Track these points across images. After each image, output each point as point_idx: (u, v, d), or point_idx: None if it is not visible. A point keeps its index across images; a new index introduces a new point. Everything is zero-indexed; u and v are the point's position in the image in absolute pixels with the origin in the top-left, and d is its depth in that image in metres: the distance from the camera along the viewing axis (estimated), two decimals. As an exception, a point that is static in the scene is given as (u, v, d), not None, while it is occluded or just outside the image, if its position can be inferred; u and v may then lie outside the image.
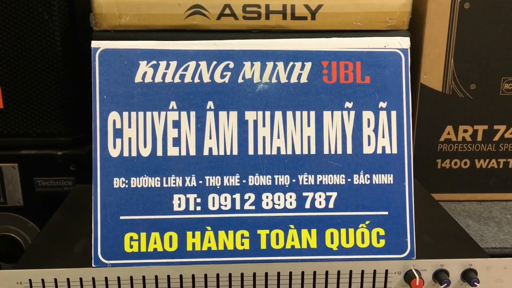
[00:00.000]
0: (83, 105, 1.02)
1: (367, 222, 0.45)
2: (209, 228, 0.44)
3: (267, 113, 0.44)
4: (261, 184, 0.44)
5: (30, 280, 0.43)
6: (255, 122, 0.44)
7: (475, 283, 0.44)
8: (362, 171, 0.45)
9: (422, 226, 0.53)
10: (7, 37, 0.93)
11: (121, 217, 0.43)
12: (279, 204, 0.44)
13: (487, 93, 0.94)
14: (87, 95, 1.01)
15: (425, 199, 0.65)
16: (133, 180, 0.43)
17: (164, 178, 0.43)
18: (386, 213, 0.45)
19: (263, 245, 0.44)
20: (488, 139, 0.97)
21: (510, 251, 0.83)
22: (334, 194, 0.45)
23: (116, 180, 0.43)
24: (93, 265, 0.43)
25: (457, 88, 0.94)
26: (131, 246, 0.43)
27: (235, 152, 0.44)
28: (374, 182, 0.45)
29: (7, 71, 0.96)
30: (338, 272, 0.44)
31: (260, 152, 0.44)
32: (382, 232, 0.45)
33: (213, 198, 0.44)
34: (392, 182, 0.45)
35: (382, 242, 0.45)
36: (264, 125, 0.44)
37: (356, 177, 0.45)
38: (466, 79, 0.94)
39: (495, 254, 0.82)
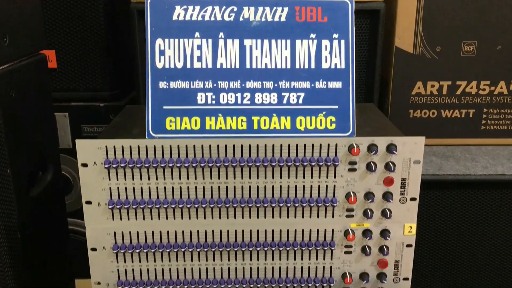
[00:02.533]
0: (121, 67, 1.29)
1: (324, 113, 0.70)
2: (220, 115, 0.70)
3: (259, 41, 0.70)
4: (254, 87, 0.70)
5: (106, 146, 0.69)
6: (251, 46, 0.70)
7: (394, 151, 0.69)
8: (321, 79, 0.70)
9: (367, 124, 0.78)
10: (59, 9, 1.20)
11: (164, 107, 0.69)
12: (266, 100, 0.70)
13: (450, 54, 1.15)
14: (124, 59, 1.28)
15: (378, 114, 0.90)
16: (172, 83, 0.69)
17: (191, 82, 0.70)
18: (337, 107, 0.70)
19: (255, 127, 0.70)
20: (451, 92, 1.18)
21: (462, 177, 1.06)
22: (302, 94, 0.70)
23: (161, 83, 0.69)
24: (146, 137, 0.70)
25: (425, 50, 1.16)
26: (170, 126, 0.70)
27: (237, 66, 0.70)
28: (329, 87, 0.70)
29: (60, 37, 1.22)
30: (304, 145, 0.70)
31: (254, 66, 0.70)
32: (333, 119, 0.70)
33: (223, 95, 0.70)
34: (341, 87, 0.70)
35: (334, 126, 0.70)
36: (256, 49, 0.70)
37: (317, 83, 0.70)
38: (433, 42, 1.14)
39: (449, 180, 1.05)
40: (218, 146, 0.69)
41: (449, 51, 1.13)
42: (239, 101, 0.70)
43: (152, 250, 0.73)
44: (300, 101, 0.70)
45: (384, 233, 0.73)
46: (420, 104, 1.18)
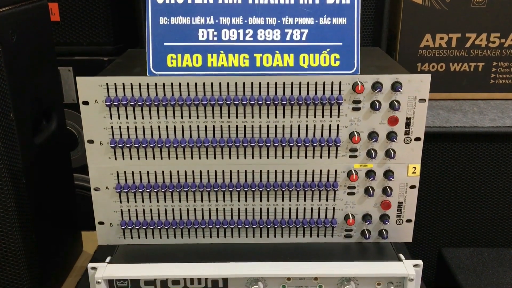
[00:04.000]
0: (124, 21, 1.28)
1: (328, 50, 0.69)
2: (222, 52, 0.69)
3: (261, -24, 0.68)
4: (257, 23, 0.69)
5: (107, 83, 0.69)
6: (253, -18, 0.68)
7: (399, 89, 0.68)
8: (325, 15, 0.69)
9: (372, 64, 0.77)
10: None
11: (165, 44, 0.68)
12: (269, 37, 0.69)
13: (461, 5, 1.12)
14: (128, 13, 1.26)
15: (384, 56, 0.89)
16: (172, 18, 0.68)
17: (193, 18, 0.68)
18: (341, 43, 0.69)
19: (258, 64, 0.69)
20: (461, 45, 1.16)
21: (469, 130, 1.04)
22: (306, 31, 0.69)
23: (161, 19, 0.68)
24: (147, 75, 0.69)
25: (434, 0, 1.13)
26: (171, 63, 0.69)
27: (239, 1, 0.68)
28: (333, 23, 0.69)
29: (64, -11, 1.20)
30: (308, 82, 0.69)
31: (256, 1, 0.68)
32: (338, 56, 0.69)
33: (225, 32, 0.69)
34: (346, 23, 0.69)
35: (338, 63, 0.69)
36: (259, -16, 0.68)
37: (321, 19, 0.69)
38: (442, -8, 1.11)
39: (456, 133, 1.04)
40: (219, 83, 0.68)
41: (459, 2, 1.11)
42: (241, 38, 0.69)
43: (155, 190, 0.73)
44: (304, 38, 0.69)
45: (388, 174, 0.73)
46: (428, 57, 1.16)
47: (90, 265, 0.70)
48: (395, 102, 0.69)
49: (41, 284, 0.92)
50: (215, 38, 0.69)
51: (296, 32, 0.69)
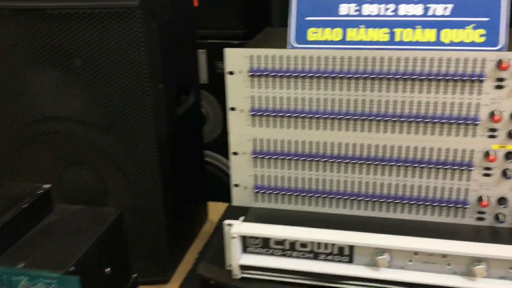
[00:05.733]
0: (254, 7, 1.34)
1: (473, 25, 0.68)
2: (362, 26, 0.71)
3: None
4: (399, -2, 0.70)
5: (251, 55, 0.74)
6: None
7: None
8: (472, -11, 0.67)
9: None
10: None
11: (306, 18, 0.72)
12: (410, 12, 0.69)
13: None
14: (258, 1, 1.32)
15: None
16: (315, -6, 0.72)
17: (335, -6, 0.71)
18: (487, 19, 0.67)
19: (397, 38, 0.70)
20: None
21: None
22: (450, 6, 0.68)
23: (305, -5, 0.72)
24: (288, 48, 0.73)
25: None
26: (312, 36, 0.72)
27: (382, -23, 0.70)
28: (480, -3, 0.67)
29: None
30: (449, 58, 0.68)
31: (399, -23, 0.69)
32: (483, 32, 0.67)
33: (366, 6, 0.71)
34: (493, -3, 0.67)
35: (482, 39, 0.68)
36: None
37: (467, -6, 0.68)
38: None
39: None
40: (358, 57, 0.70)
41: None
42: (382, 13, 0.70)
43: (288, 158, 0.77)
44: (448, 13, 0.68)
45: (529, 157, 0.70)
46: None
47: (226, 221, 0.76)
48: (543, 80, 0.66)
49: (176, 242, 1.01)
50: (356, 13, 0.71)
51: (440, 7, 0.69)
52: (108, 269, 0.72)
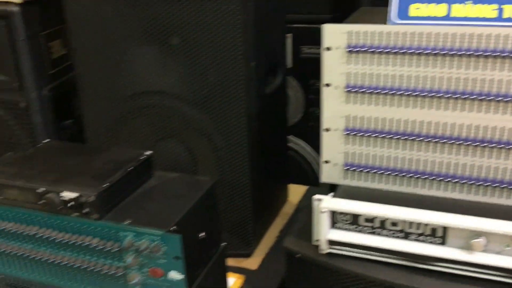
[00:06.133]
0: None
1: None
2: (469, 2, 0.69)
3: None
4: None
5: (350, 31, 0.74)
6: None
7: None
8: None
9: None
10: None
11: None
12: (522, -13, 0.67)
13: None
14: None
15: None
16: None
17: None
18: None
19: (506, 15, 0.67)
20: None
21: None
22: None
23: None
24: (388, 24, 0.73)
25: None
26: (414, 12, 0.71)
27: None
28: None
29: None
30: None
31: (512, -50, 0.66)
32: None
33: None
34: None
35: None
36: None
37: None
38: None
39: None
40: (463, 34, 0.69)
41: None
42: (488, -9, 0.68)
43: (381, 136, 0.77)
44: None
45: None
46: None
47: (316, 196, 0.77)
48: None
49: (259, 217, 1.04)
50: (461, -8, 0.69)
51: None
52: (203, 234, 0.75)
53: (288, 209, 1.20)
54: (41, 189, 0.71)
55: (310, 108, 1.43)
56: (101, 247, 0.70)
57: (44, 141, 0.87)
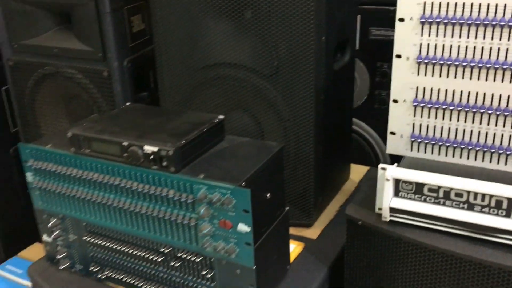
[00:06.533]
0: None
1: None
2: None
3: None
4: None
5: (425, 2, 0.75)
6: None
7: None
8: None
9: None
10: None
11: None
12: None
13: None
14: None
15: None
16: None
17: None
18: None
19: None
20: None
21: None
22: None
23: None
24: (463, -5, 0.73)
25: None
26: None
27: None
28: None
29: None
30: None
31: None
32: None
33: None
34: None
35: None
36: None
37: None
38: None
39: None
40: (541, 5, 0.68)
41: None
42: None
43: (450, 108, 0.78)
44: None
45: None
46: None
47: (381, 165, 0.79)
48: None
49: (321, 190, 1.07)
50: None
51: None
52: (269, 195, 0.80)
53: (349, 187, 1.22)
54: (126, 143, 0.78)
55: (376, 90, 1.43)
56: (177, 198, 0.76)
57: (127, 104, 0.94)
